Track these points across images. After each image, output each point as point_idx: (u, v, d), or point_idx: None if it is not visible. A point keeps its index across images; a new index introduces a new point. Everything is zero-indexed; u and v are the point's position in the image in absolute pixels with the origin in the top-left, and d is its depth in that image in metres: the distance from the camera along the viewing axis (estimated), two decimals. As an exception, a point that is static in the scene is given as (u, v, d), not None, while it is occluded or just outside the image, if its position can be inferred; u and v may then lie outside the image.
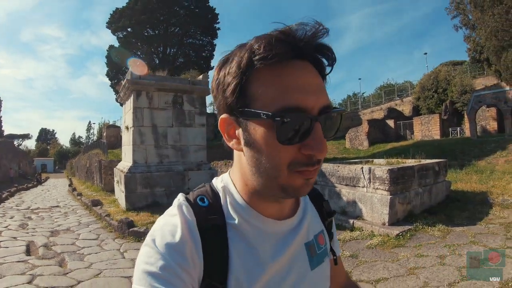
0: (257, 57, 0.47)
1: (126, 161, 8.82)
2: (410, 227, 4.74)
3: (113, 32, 22.56)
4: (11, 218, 7.91)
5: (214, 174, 8.59)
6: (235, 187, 0.58)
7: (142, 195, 7.63)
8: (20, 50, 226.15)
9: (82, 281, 3.57)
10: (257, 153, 0.51)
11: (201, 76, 9.38)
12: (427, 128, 20.55)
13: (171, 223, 0.52)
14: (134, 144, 7.98)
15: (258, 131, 0.49)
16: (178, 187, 7.94)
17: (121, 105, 10.29)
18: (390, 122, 22.87)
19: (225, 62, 0.53)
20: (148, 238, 0.52)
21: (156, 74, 9.21)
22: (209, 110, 22.81)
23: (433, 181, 6.07)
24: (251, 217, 0.57)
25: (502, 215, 5.38)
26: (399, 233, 4.51)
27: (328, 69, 0.54)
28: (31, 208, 9.86)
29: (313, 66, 0.52)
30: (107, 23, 22.81)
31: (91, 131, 62.20)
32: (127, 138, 8.86)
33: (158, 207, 7.37)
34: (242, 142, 0.52)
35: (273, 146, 0.48)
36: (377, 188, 5.11)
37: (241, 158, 0.55)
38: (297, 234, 0.61)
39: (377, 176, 5.09)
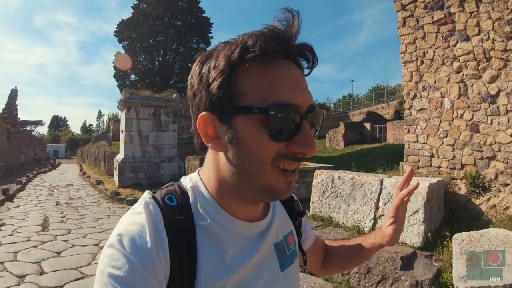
0: (251, 54, 0.46)
1: (120, 154, 12.43)
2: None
3: (119, 41, 26.20)
4: (41, 190, 11.67)
5: (181, 165, 12.24)
6: (205, 187, 0.56)
7: (129, 177, 11.26)
8: (32, 35, 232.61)
9: (86, 216, 7.19)
10: (242, 149, 0.49)
11: (174, 95, 12.88)
12: (398, 133, 21.36)
13: (137, 222, 0.49)
14: (125, 143, 11.59)
15: (246, 127, 0.48)
16: (154, 173, 11.57)
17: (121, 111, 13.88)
18: (368, 125, 24.31)
19: (208, 57, 0.51)
20: (113, 238, 0.48)
21: (142, 93, 12.70)
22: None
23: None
24: (221, 218, 0.55)
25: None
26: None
27: (309, 69, 0.54)
28: (52, 185, 13.63)
29: (296, 66, 0.52)
30: (114, 32, 26.45)
31: (101, 119, 66.63)
32: (122, 138, 12.47)
33: (140, 186, 10.97)
34: (225, 140, 0.50)
35: (262, 142, 0.48)
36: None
37: (219, 158, 0.53)
38: (266, 236, 0.60)
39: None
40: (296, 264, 0.67)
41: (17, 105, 57.20)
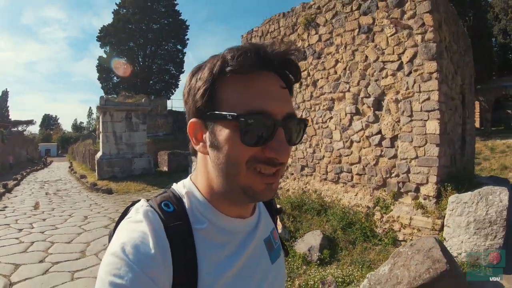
0: (229, 67, 0.51)
1: (99, 152, 14.71)
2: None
3: (101, 46, 28.18)
4: (34, 185, 13.97)
5: (151, 160, 14.59)
6: (199, 191, 0.59)
7: (106, 171, 13.59)
8: (22, 32, 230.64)
9: (67, 201, 9.52)
10: (220, 153, 0.53)
11: (143, 99, 15.13)
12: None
13: (139, 229, 0.51)
14: (103, 142, 13.88)
15: (223, 132, 0.52)
16: (128, 167, 13.91)
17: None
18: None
19: (198, 69, 0.56)
20: (115, 247, 0.49)
21: (117, 100, 14.93)
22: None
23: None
24: (217, 218, 0.58)
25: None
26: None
27: (294, 80, 0.58)
28: (43, 180, 15.91)
29: (280, 78, 0.55)
30: (97, 37, 28.31)
31: (92, 116, 68.32)
32: (100, 138, 14.74)
33: (115, 178, 13.29)
34: (208, 144, 0.55)
35: (235, 145, 0.51)
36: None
37: (207, 162, 0.57)
38: (257, 232, 0.64)
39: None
40: (282, 256, 0.73)
41: (8, 106, 58.73)
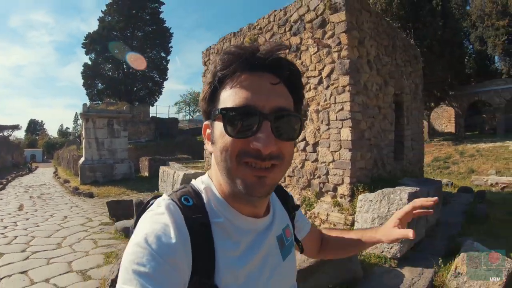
0: (219, 73, 0.57)
1: (82, 158, 15.45)
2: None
3: (86, 53, 28.84)
4: (19, 189, 14.63)
5: (131, 165, 15.37)
6: (216, 187, 0.63)
7: (89, 176, 14.35)
8: (9, 36, 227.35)
9: (50, 204, 10.28)
10: (216, 148, 0.58)
11: (125, 107, 15.96)
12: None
13: (161, 221, 0.54)
14: (85, 148, 14.64)
15: (217, 127, 0.57)
16: (109, 173, 14.68)
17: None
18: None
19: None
20: (138, 237, 0.52)
21: (100, 107, 15.71)
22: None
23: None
24: (231, 216, 0.62)
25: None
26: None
27: (284, 76, 0.59)
28: (28, 185, 16.52)
29: (275, 75, 0.58)
30: (82, 44, 28.98)
31: (78, 122, 68.12)
32: (83, 144, 15.48)
33: (97, 183, 14.02)
34: (211, 142, 0.61)
35: (225, 139, 0.55)
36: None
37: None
38: (271, 230, 0.68)
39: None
40: (293, 253, 0.76)
41: (-8, 112, 58.18)
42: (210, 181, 0.65)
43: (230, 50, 0.58)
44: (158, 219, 0.55)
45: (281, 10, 6.36)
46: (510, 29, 24.73)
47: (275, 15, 6.46)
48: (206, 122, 0.63)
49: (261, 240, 0.65)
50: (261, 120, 0.54)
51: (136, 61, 28.28)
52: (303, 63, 5.88)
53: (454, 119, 25.67)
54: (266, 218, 0.69)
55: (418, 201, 0.84)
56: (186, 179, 6.44)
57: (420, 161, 8.73)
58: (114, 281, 3.28)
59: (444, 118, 28.65)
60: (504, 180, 11.71)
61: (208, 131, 0.63)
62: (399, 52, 7.17)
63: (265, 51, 0.57)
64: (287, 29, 6.20)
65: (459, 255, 3.40)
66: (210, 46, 8.56)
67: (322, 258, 1.01)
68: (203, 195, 0.63)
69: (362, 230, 0.97)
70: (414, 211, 0.85)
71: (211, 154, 0.64)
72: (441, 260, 3.66)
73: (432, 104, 25.12)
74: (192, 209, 0.59)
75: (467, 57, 30.97)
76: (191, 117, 43.91)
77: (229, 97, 0.56)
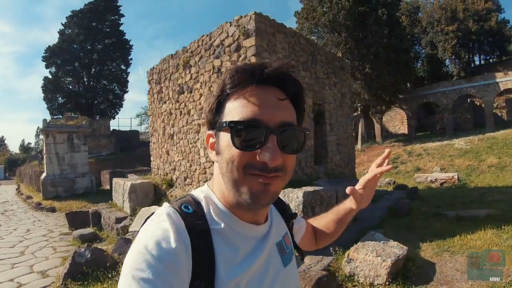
0: (227, 86, 0.60)
1: (44, 173, 15.93)
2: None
3: (46, 67, 28.60)
4: (-20, 208, 14.96)
5: (93, 179, 15.95)
6: (216, 196, 0.65)
7: (50, 191, 14.83)
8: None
9: (13, 219, 10.90)
10: (222, 158, 0.60)
11: (84, 121, 16.63)
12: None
13: (161, 227, 0.56)
14: (47, 163, 15.14)
15: (223, 139, 0.60)
16: (71, 187, 15.22)
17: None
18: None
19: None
20: (138, 244, 0.54)
21: (60, 122, 16.25)
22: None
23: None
24: (232, 222, 0.63)
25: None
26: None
27: (291, 91, 0.62)
28: (-10, 204, 16.79)
29: (281, 91, 0.61)
30: (42, 57, 28.59)
31: (40, 136, 65.84)
32: (44, 159, 16.00)
33: (59, 197, 14.49)
34: (215, 152, 0.63)
35: (232, 151, 0.57)
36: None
37: (218, 169, 0.63)
38: (270, 237, 0.70)
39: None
40: (294, 261, 0.77)
41: None
42: (210, 191, 0.67)
43: (240, 66, 0.62)
44: (158, 226, 0.57)
45: (207, 35, 7.02)
46: (459, 33, 26.56)
47: (202, 40, 7.16)
48: (210, 132, 0.66)
49: (261, 246, 0.66)
50: (267, 134, 0.56)
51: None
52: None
53: (406, 120, 27.19)
54: (265, 224, 0.71)
55: (374, 165, 0.90)
56: (133, 188, 7.66)
57: (350, 163, 9.50)
58: (66, 274, 4.34)
59: (397, 120, 30.31)
60: (443, 176, 12.58)
61: (211, 140, 0.65)
62: (319, 65, 7.78)
63: (274, 67, 0.60)
64: (211, 52, 6.84)
65: (356, 244, 3.73)
66: (154, 66, 9.52)
67: (320, 247, 1.06)
68: (203, 204, 0.65)
69: (336, 206, 1.03)
70: (376, 173, 0.88)
71: (213, 162, 0.67)
72: (342, 250, 3.87)
73: (384, 107, 26.37)
74: (192, 216, 0.61)
75: (420, 61, 32.91)
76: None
77: (235, 109, 0.59)
